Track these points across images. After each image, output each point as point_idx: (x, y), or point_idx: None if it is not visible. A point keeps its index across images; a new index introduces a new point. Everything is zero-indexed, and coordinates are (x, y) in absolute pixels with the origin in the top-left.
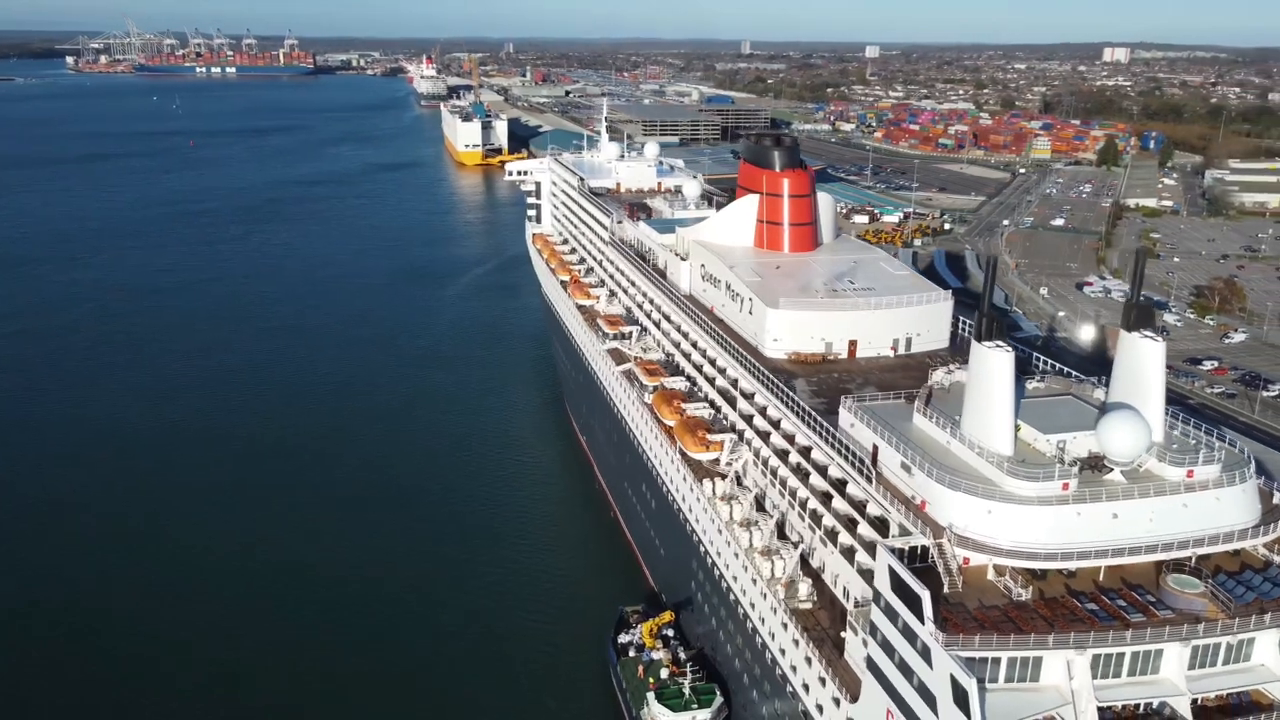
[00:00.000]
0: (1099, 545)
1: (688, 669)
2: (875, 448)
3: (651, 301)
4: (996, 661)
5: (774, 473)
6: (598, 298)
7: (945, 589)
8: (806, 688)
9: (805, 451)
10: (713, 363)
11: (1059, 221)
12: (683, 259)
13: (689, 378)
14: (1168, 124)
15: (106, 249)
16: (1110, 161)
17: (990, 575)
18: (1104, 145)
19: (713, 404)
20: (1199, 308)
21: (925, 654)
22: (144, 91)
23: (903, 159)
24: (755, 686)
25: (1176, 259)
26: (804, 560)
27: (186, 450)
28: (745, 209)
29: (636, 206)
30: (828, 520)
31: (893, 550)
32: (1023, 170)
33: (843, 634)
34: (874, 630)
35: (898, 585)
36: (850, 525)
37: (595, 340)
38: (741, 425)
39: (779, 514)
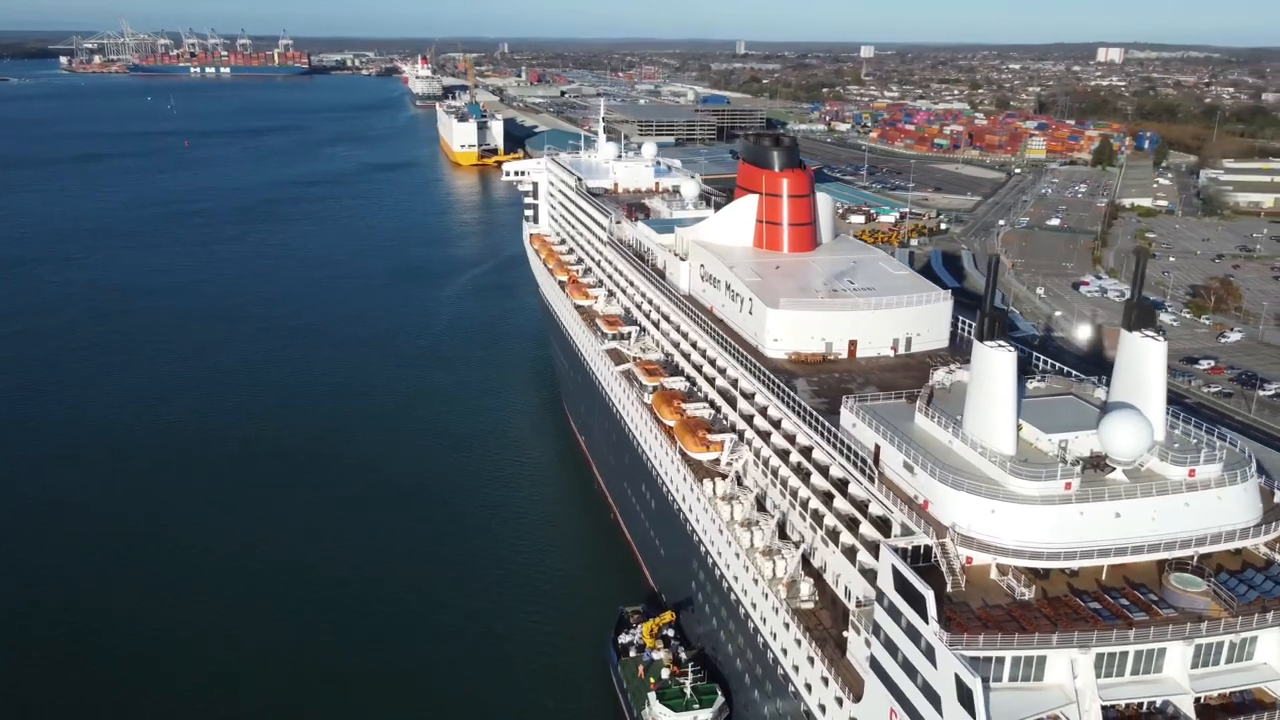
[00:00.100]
0: (1102, 544)
1: (689, 669)
2: (877, 447)
3: (650, 302)
4: (1000, 661)
5: (775, 473)
6: (596, 298)
7: (949, 588)
8: (809, 687)
9: (806, 451)
10: (712, 363)
11: (1055, 221)
12: (682, 259)
13: (688, 378)
14: (1162, 124)
15: (102, 249)
16: (1105, 161)
17: (993, 574)
18: (1099, 145)
19: (712, 404)
20: (1195, 307)
21: (929, 653)
22: (138, 92)
23: (898, 159)
24: (757, 686)
25: (1172, 259)
26: (805, 560)
27: (186, 450)
28: (744, 209)
29: (635, 207)
30: (829, 520)
31: (896, 550)
32: (1018, 170)
33: (845, 634)
34: (877, 630)
35: (901, 585)
36: (852, 525)
37: (594, 340)
38: (742, 425)
39: (780, 514)
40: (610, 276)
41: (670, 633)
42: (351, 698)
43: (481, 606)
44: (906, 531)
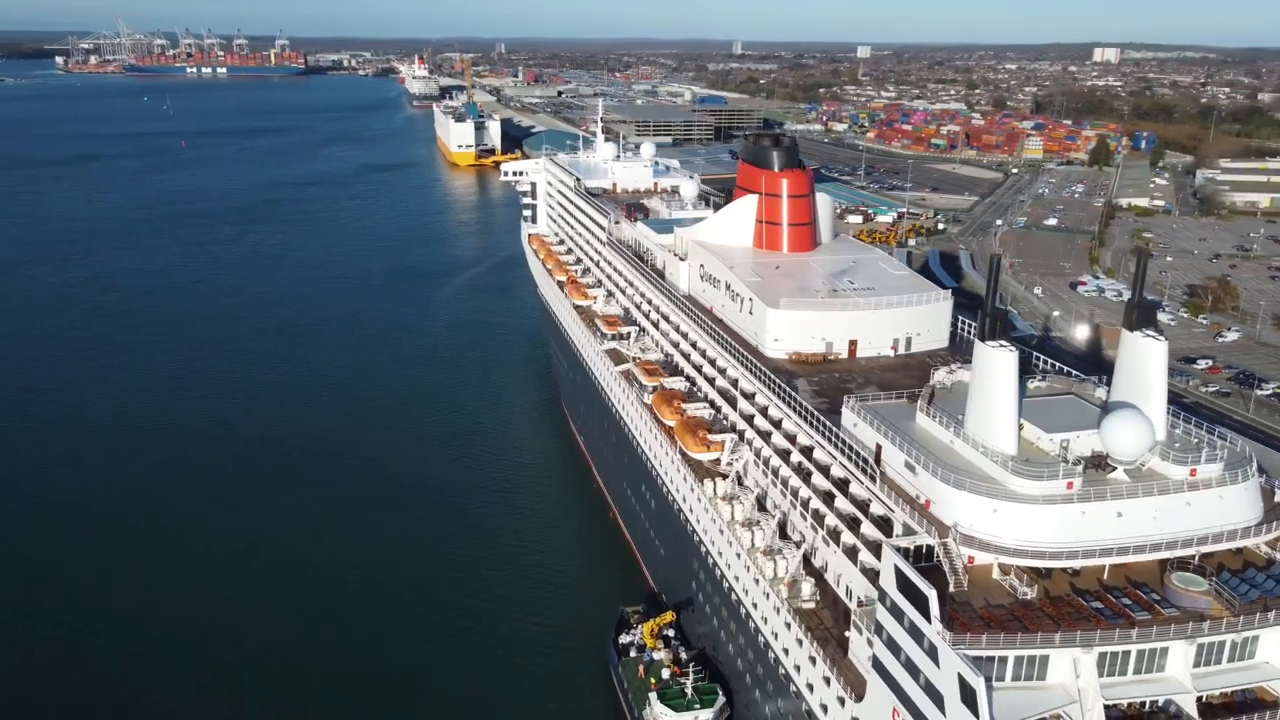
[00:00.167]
0: (1104, 544)
1: (689, 669)
2: (879, 447)
3: (650, 302)
4: (1003, 660)
5: (775, 472)
6: (595, 298)
7: (951, 588)
8: (810, 687)
9: (807, 451)
10: (712, 363)
11: (1052, 221)
12: (681, 259)
13: (688, 378)
14: (1158, 124)
15: (99, 250)
16: (1102, 161)
17: (995, 574)
18: (1096, 145)
19: (712, 404)
20: (1192, 307)
21: (932, 653)
22: (134, 92)
23: (896, 159)
24: (758, 686)
25: (1169, 258)
26: (806, 560)
27: (186, 450)
28: (744, 209)
29: (634, 207)
30: (830, 520)
31: (898, 549)
32: (1015, 170)
33: (846, 633)
34: (879, 630)
35: (904, 584)
36: (853, 525)
37: (593, 341)
38: (742, 425)
39: (780, 514)
40: (609, 277)
41: (670, 633)
42: (353, 698)
43: (482, 606)
44: (908, 531)
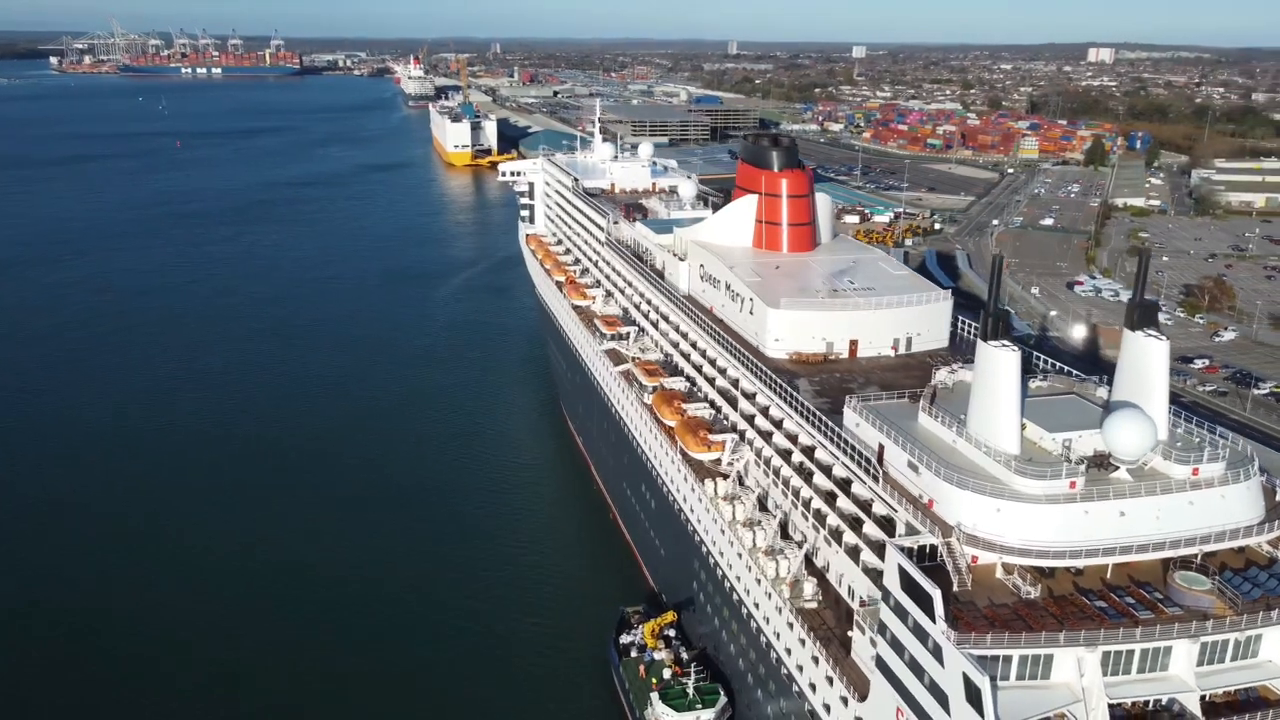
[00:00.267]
0: (1107, 543)
1: (690, 669)
2: (881, 447)
3: (649, 302)
4: (1008, 659)
5: (776, 472)
6: (594, 298)
7: (955, 587)
8: (813, 687)
9: (809, 451)
10: (713, 363)
11: (1048, 221)
12: (681, 259)
13: (688, 378)
14: (1153, 124)
15: (95, 251)
16: (1097, 161)
17: (999, 573)
18: (1091, 145)
19: (713, 404)
20: (1189, 306)
21: (937, 652)
22: (129, 92)
23: (892, 159)
24: (760, 686)
25: (1165, 258)
26: (808, 560)
27: (183, 450)
28: (744, 209)
29: (632, 207)
30: (832, 520)
31: (902, 549)
32: (1011, 170)
33: (849, 633)
34: (883, 629)
35: (908, 584)
36: (855, 524)
37: (592, 341)
38: (743, 425)
39: (782, 514)
40: (608, 277)
41: (671, 633)
42: (351, 698)
43: (481, 607)
44: (911, 531)
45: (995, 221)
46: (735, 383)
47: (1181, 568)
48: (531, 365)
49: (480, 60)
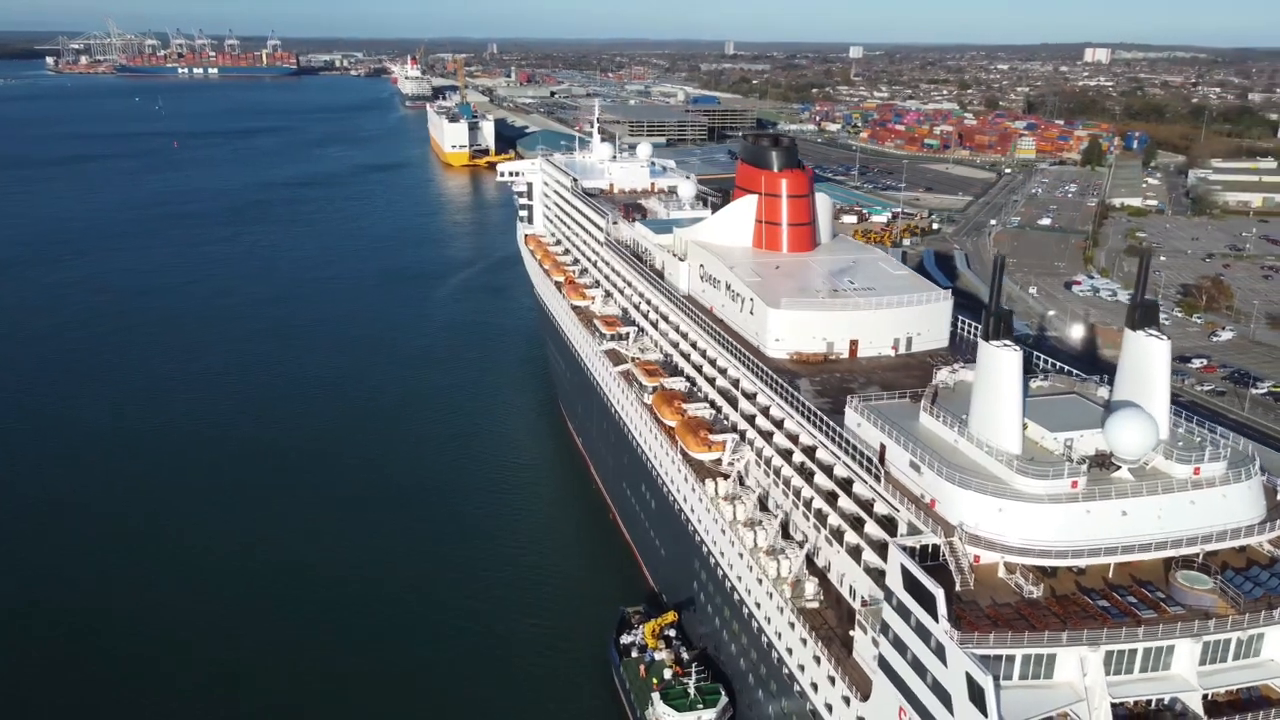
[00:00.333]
0: (1109, 543)
1: (692, 669)
2: (883, 447)
3: (649, 302)
4: (1011, 659)
5: (777, 472)
6: (593, 299)
7: (957, 587)
8: (815, 686)
9: (810, 451)
10: (713, 363)
11: (1046, 221)
12: (681, 259)
13: (688, 378)
14: (1150, 124)
15: (93, 251)
16: (1094, 161)
17: (1001, 573)
18: (1088, 145)
19: (713, 404)
20: (1186, 306)
21: (940, 652)
22: (125, 92)
23: (889, 159)
24: (761, 686)
25: (1163, 258)
26: (809, 560)
27: (182, 451)
28: (744, 209)
29: (631, 207)
30: (833, 519)
31: (905, 549)
32: (1008, 170)
33: (851, 633)
34: (885, 629)
35: (910, 584)
36: (857, 524)
37: (592, 341)
38: (743, 425)
39: (782, 514)
40: (607, 277)
41: (672, 633)
42: (351, 698)
43: (481, 607)
44: (913, 530)
45: (993, 221)
46: (736, 383)
47: (1183, 567)
48: (530, 365)
49: (477, 60)
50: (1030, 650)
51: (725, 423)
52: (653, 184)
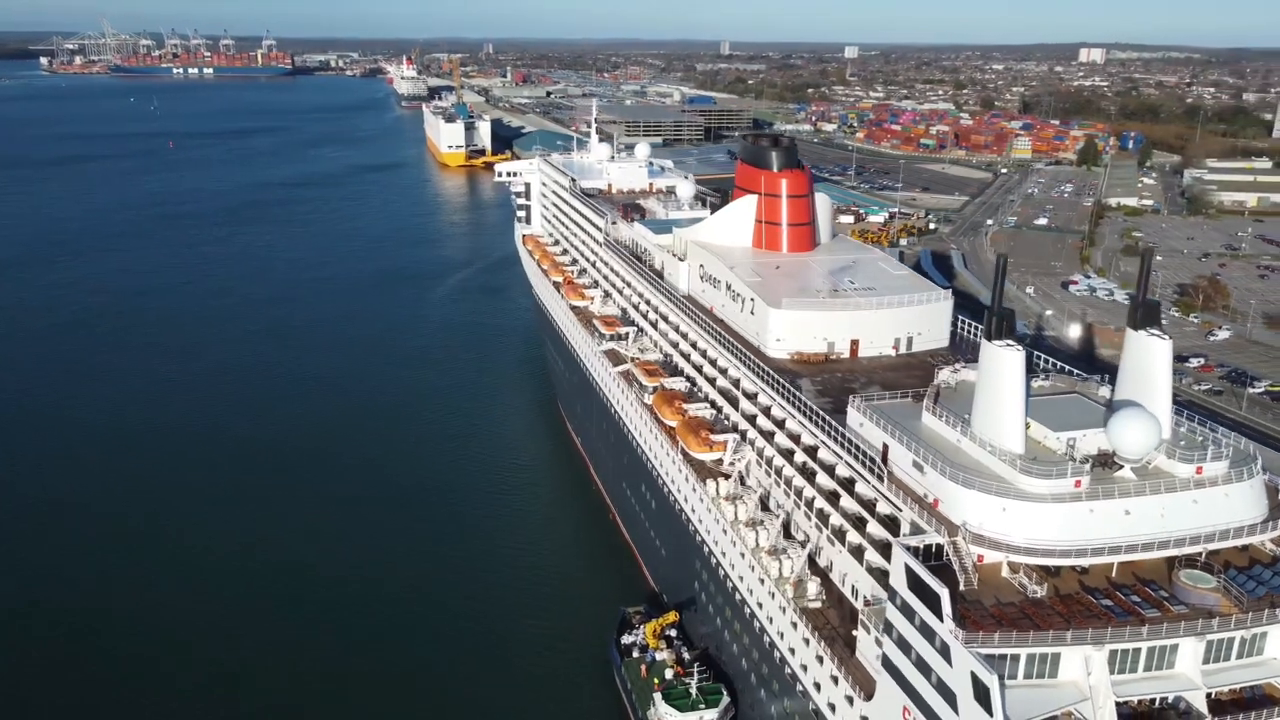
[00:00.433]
0: (1112, 542)
1: (693, 669)
2: (885, 446)
3: (648, 302)
4: (1015, 658)
5: (779, 472)
6: (592, 299)
7: (961, 586)
8: (818, 686)
9: (812, 451)
10: (713, 363)
11: (1042, 221)
12: (680, 260)
13: (688, 378)
14: (1145, 124)
15: (89, 251)
16: (1090, 161)
17: (1005, 572)
18: (1084, 145)
19: (713, 404)
20: (1183, 305)
21: (944, 652)
22: (120, 92)
23: (885, 159)
24: (763, 685)
25: (1159, 257)
26: (811, 560)
27: (181, 451)
28: (743, 209)
29: (630, 207)
30: (835, 519)
31: (909, 548)
32: (1004, 170)
33: (853, 632)
34: (889, 629)
35: (915, 583)
36: (859, 524)
37: (591, 341)
38: (744, 425)
39: (784, 513)
40: (606, 277)
41: (673, 633)
42: (351, 698)
43: (481, 607)
44: (917, 530)
45: (990, 221)
46: (736, 383)
47: (1186, 566)
48: (528, 366)
49: (473, 60)
50: (1035, 649)
51: (726, 423)
52: (651, 184)
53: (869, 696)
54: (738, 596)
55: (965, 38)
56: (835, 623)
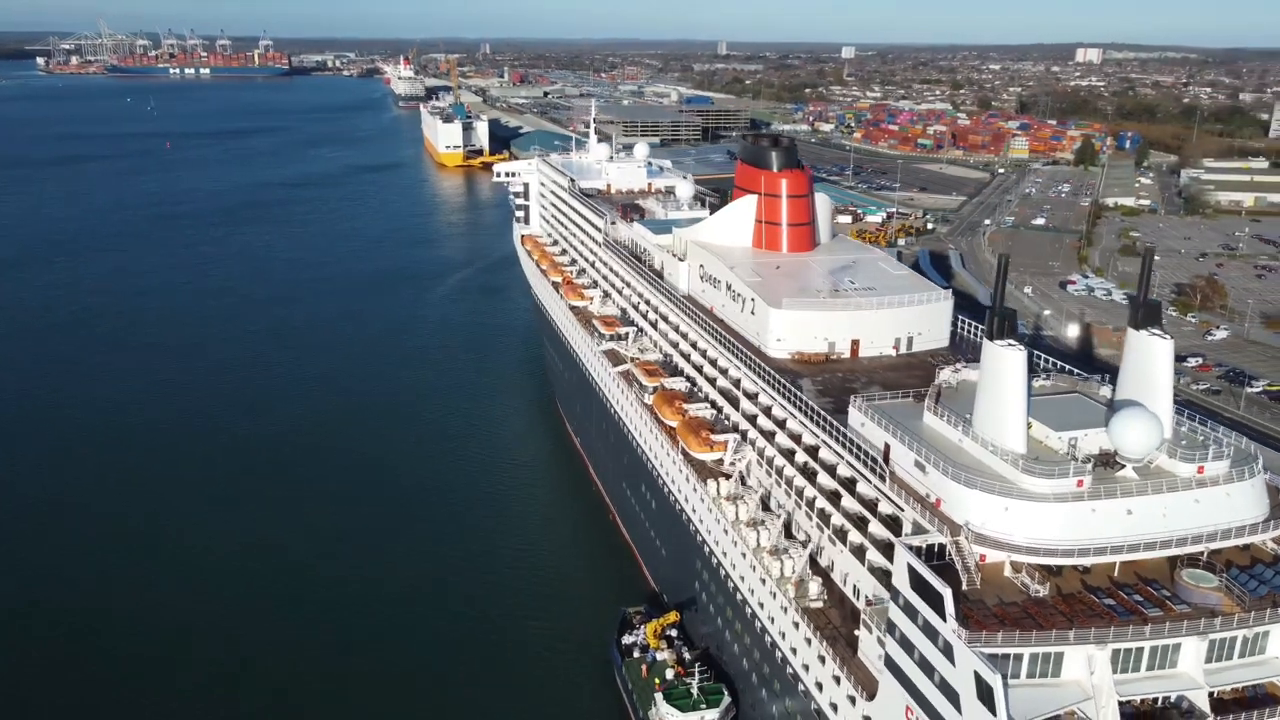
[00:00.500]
0: (1114, 541)
1: (694, 669)
2: (887, 446)
3: (648, 302)
4: (1019, 658)
5: (779, 472)
6: (591, 299)
7: (964, 586)
8: (819, 686)
9: (813, 451)
10: (714, 363)
11: (1040, 221)
12: (680, 260)
13: (689, 378)
14: (1142, 124)
15: (86, 252)
16: (1087, 161)
17: (1007, 572)
18: (1081, 145)
19: (714, 404)
20: (1181, 305)
21: (948, 651)
22: (117, 93)
23: (883, 159)
24: (764, 685)
25: (1157, 257)
26: (812, 559)
27: (181, 451)
28: (743, 209)
29: (629, 208)
30: (836, 519)
31: (911, 548)
32: (1002, 170)
33: (855, 632)
34: (891, 628)
35: (918, 583)
36: (860, 524)
37: (590, 341)
38: (745, 425)
39: (785, 513)
40: (605, 278)
41: (674, 633)
42: (351, 698)
43: (481, 607)
44: (919, 530)
45: (987, 221)
46: (737, 383)
47: (1188, 565)
48: (527, 366)
49: (470, 61)
50: (1038, 649)
51: (726, 423)
52: (650, 184)
53: (871, 696)
54: (739, 596)
55: (962, 38)
56: (837, 623)
